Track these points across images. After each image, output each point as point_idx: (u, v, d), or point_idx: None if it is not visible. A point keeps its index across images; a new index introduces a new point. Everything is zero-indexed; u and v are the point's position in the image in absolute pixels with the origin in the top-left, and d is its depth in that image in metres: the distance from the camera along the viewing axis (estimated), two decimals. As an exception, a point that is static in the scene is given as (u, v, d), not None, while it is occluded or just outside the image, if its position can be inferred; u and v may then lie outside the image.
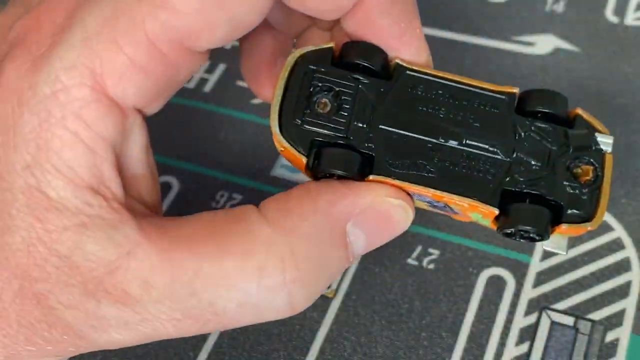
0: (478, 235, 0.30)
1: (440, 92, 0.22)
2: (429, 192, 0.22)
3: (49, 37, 0.21)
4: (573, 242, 0.29)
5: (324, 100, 0.22)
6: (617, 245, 0.29)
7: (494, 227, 0.22)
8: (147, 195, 0.23)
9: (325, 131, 0.22)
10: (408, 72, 0.23)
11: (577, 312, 0.28)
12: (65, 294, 0.21)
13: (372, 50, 0.23)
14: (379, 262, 0.30)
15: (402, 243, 0.30)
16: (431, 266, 0.29)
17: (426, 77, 0.23)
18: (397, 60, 0.23)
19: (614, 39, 0.36)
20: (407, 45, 0.23)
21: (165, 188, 0.33)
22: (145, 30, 0.21)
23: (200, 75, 0.37)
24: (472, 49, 0.37)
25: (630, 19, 0.37)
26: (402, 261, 0.30)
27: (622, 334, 0.27)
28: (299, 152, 0.22)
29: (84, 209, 0.21)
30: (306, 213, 0.21)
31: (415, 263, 0.30)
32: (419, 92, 0.22)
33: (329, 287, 0.29)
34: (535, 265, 0.29)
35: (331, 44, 0.23)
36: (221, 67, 0.37)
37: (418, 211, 0.31)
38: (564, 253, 0.22)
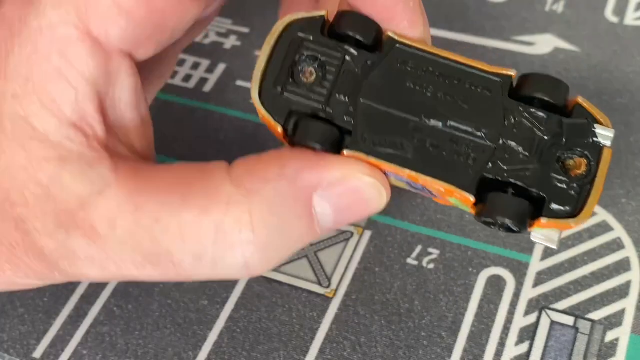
0: (478, 235, 0.30)
1: (431, 69, 0.22)
2: (405, 173, 0.21)
3: None
4: (572, 242, 0.29)
5: (309, 69, 0.21)
6: (617, 245, 0.29)
7: (473, 213, 0.21)
8: (136, 141, 0.24)
9: (305, 101, 0.21)
10: (398, 45, 0.22)
11: (577, 312, 0.28)
12: (40, 221, 0.21)
13: (365, 22, 0.22)
14: (379, 262, 0.30)
15: (402, 243, 0.30)
16: (431, 266, 0.29)
17: (417, 53, 0.22)
18: (389, 33, 0.22)
19: (614, 39, 0.36)
20: (399, 18, 0.22)
21: (165, 188, 0.33)
22: None
23: (200, 75, 0.37)
24: (472, 48, 0.37)
25: (630, 19, 0.37)
26: (402, 261, 0.30)
27: (622, 334, 0.27)
28: (275, 120, 0.21)
29: (65, 143, 0.21)
30: (271, 176, 0.21)
31: (415, 263, 0.30)
32: (408, 68, 0.22)
33: (328, 287, 0.29)
34: (535, 265, 0.29)
35: (323, 12, 0.22)
36: (221, 67, 0.37)
37: (418, 211, 0.31)
38: (555, 247, 0.21)
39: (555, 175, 0.21)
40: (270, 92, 0.21)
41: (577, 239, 0.30)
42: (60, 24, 0.21)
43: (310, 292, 0.29)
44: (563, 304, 0.28)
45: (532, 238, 0.21)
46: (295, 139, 0.21)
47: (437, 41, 0.38)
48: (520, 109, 0.21)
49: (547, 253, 0.29)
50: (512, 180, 0.21)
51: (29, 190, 0.21)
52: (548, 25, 0.37)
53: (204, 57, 0.38)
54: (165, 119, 0.35)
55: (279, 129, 0.21)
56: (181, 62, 0.38)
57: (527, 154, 0.21)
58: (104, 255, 0.22)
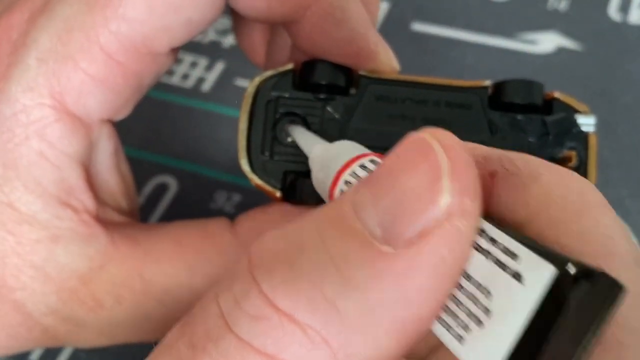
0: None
1: (409, 97, 0.22)
2: None
3: (6, 57, 0.21)
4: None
5: (291, 126, 0.22)
6: (621, 247, 0.29)
7: None
8: (122, 200, 0.24)
9: (297, 160, 0.21)
10: (372, 83, 0.22)
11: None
12: (41, 302, 0.21)
13: (334, 69, 0.22)
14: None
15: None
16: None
17: (392, 85, 0.22)
18: (361, 72, 0.22)
19: (618, 37, 0.36)
20: (365, 61, 0.22)
21: (164, 188, 0.33)
22: (100, 44, 0.21)
23: (199, 75, 0.37)
24: (474, 47, 0.36)
25: (634, 16, 0.37)
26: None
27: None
28: (272, 187, 0.21)
29: (54, 222, 0.21)
30: None
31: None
32: (387, 102, 0.22)
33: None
34: (538, 266, 0.29)
35: (290, 66, 0.22)
36: (220, 66, 0.37)
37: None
38: None
39: None
40: (260, 159, 0.21)
41: (581, 240, 0.29)
42: (35, 106, 0.21)
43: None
44: (566, 307, 0.27)
45: None
46: (295, 200, 0.21)
47: (438, 39, 0.38)
48: (503, 117, 0.21)
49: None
50: None
51: (25, 274, 0.21)
52: (551, 23, 0.37)
53: (202, 56, 0.38)
54: (164, 119, 0.35)
55: (278, 194, 0.21)
56: (179, 61, 0.37)
57: None
58: (111, 327, 0.21)
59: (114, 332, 0.22)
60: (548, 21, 0.37)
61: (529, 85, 0.22)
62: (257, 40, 0.27)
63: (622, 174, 0.31)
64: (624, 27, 0.36)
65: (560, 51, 0.36)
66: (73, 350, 0.28)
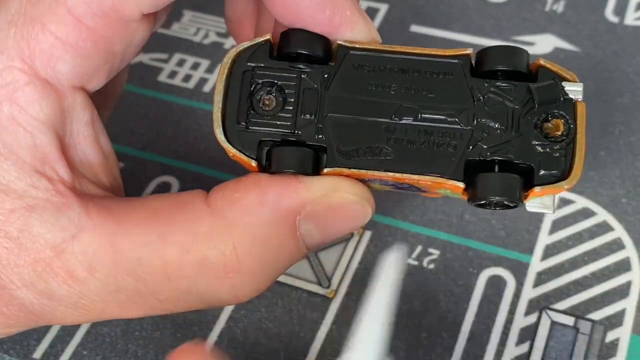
0: (478, 235, 0.30)
1: (389, 67, 0.21)
2: (389, 176, 0.21)
3: None
4: (573, 242, 0.29)
5: (267, 96, 0.21)
6: (617, 245, 0.29)
7: (465, 199, 0.21)
8: (102, 174, 0.23)
9: (273, 129, 0.21)
10: (351, 51, 0.21)
11: (577, 312, 0.28)
12: (16, 274, 0.21)
13: (310, 37, 0.21)
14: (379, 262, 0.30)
15: (402, 243, 0.30)
16: (431, 266, 0.29)
17: (371, 54, 0.21)
18: (339, 42, 0.22)
19: (614, 38, 0.36)
20: (341, 29, 0.22)
21: (165, 188, 0.33)
22: (67, 6, 0.20)
23: (200, 75, 0.37)
24: (472, 48, 0.36)
25: (630, 18, 0.37)
26: (402, 261, 0.30)
27: (622, 334, 0.27)
28: (247, 156, 0.21)
29: (29, 191, 0.21)
30: (252, 205, 0.21)
31: (415, 263, 0.29)
32: (366, 71, 0.21)
33: (329, 287, 0.29)
34: (536, 265, 0.29)
35: (267, 37, 0.22)
36: (221, 67, 0.37)
37: (418, 211, 0.31)
38: (552, 212, 0.21)
39: (536, 142, 0.21)
40: (235, 129, 0.21)
41: (577, 239, 0.30)
42: (4, 70, 0.21)
43: (310, 293, 0.29)
44: (563, 304, 0.28)
45: (528, 209, 0.21)
46: (271, 170, 0.21)
47: (436, 41, 0.38)
48: (486, 84, 0.21)
49: (548, 253, 0.29)
50: (496, 158, 0.21)
51: (0, 245, 0.21)
52: (548, 25, 0.37)
53: (204, 58, 0.38)
54: (166, 119, 0.35)
55: (253, 164, 0.21)
56: (181, 63, 0.38)
57: (503, 127, 0.21)
58: (85, 299, 0.21)
59: (89, 305, 0.21)
60: (545, 23, 0.37)
61: (513, 50, 0.21)
62: (245, 25, 0.27)
63: (619, 173, 0.31)
64: (620, 29, 0.37)
65: (557, 52, 0.36)
66: (75, 348, 0.28)
